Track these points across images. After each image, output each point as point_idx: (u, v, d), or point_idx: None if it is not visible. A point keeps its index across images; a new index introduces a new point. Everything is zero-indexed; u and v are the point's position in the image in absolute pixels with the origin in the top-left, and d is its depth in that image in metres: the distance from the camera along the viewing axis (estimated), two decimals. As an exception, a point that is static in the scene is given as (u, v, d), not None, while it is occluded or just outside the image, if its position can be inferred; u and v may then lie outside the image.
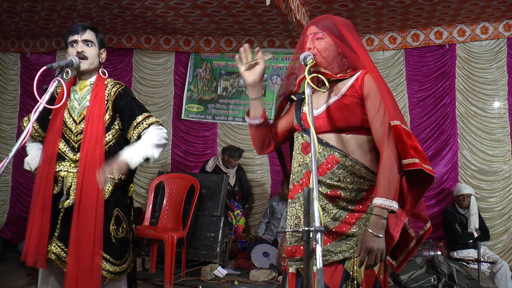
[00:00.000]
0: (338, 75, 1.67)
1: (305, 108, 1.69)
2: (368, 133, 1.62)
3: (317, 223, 1.27)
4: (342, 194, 1.59)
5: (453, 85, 5.24)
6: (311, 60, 1.62)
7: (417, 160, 1.49)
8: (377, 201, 1.50)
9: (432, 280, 3.87)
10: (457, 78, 5.23)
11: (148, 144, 2.08)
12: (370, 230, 1.48)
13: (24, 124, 2.28)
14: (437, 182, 5.24)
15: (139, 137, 2.12)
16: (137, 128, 2.12)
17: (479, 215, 4.69)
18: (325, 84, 1.62)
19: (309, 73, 1.59)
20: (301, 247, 1.60)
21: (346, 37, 1.66)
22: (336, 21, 1.70)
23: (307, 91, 1.53)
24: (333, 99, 1.65)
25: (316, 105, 1.69)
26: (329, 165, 1.60)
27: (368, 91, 1.60)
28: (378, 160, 1.59)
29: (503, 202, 5.03)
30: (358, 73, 1.66)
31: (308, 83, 1.55)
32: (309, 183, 1.56)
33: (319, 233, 1.24)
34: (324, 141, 1.62)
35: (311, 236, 1.27)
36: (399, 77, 5.42)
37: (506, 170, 5.05)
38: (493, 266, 4.31)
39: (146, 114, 2.15)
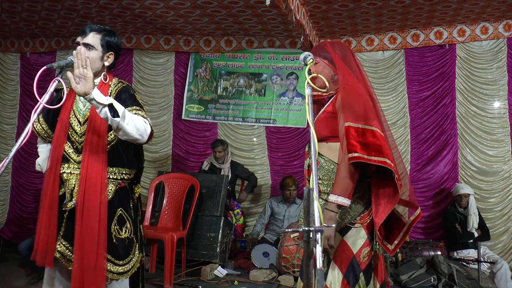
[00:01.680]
0: (328, 93, 2.01)
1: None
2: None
3: (317, 223, 1.27)
4: (322, 189, 1.94)
5: (453, 85, 5.23)
6: (311, 60, 1.77)
7: (356, 154, 1.77)
8: (331, 197, 1.82)
9: (432, 280, 3.87)
10: (457, 78, 5.23)
11: (126, 111, 1.93)
12: None
13: (34, 126, 2.29)
14: (437, 182, 5.24)
15: None
16: None
17: (480, 215, 4.69)
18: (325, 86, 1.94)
19: (309, 73, 1.66)
20: None
21: (333, 57, 2.02)
22: (326, 44, 2.08)
23: (307, 91, 1.59)
24: (319, 114, 2.05)
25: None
26: None
27: (338, 105, 1.94)
28: None
29: (503, 202, 5.02)
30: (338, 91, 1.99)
31: (308, 83, 1.59)
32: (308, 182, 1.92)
33: (319, 233, 1.24)
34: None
35: (311, 236, 1.27)
36: (399, 77, 5.41)
37: (506, 170, 5.04)
38: (493, 266, 4.31)
39: (137, 108, 2.09)
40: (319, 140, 1.95)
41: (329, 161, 1.94)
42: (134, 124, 1.95)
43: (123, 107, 1.94)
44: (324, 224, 1.76)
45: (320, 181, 1.92)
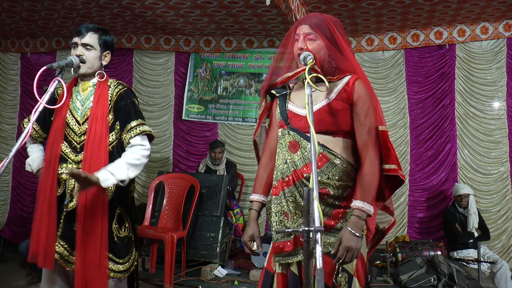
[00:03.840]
0: (327, 78, 1.66)
1: (290, 106, 1.76)
2: (352, 138, 1.68)
3: (316, 223, 1.27)
4: (331, 192, 1.64)
5: (453, 86, 5.23)
6: (311, 60, 1.65)
7: (394, 166, 1.64)
8: (358, 203, 1.59)
9: (432, 280, 3.87)
10: (456, 79, 5.23)
11: (125, 165, 2.05)
12: (350, 229, 1.56)
13: (25, 125, 2.27)
14: (437, 183, 5.24)
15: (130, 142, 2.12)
16: (130, 132, 2.11)
17: (480, 215, 4.69)
18: (323, 82, 1.63)
19: (309, 73, 1.60)
20: (288, 243, 1.71)
21: (337, 39, 1.69)
22: (328, 21, 1.71)
23: (307, 91, 1.54)
24: (323, 102, 1.68)
25: (303, 105, 1.72)
26: (319, 163, 1.63)
27: (358, 97, 1.65)
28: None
29: (501, 203, 5.03)
30: (348, 78, 1.70)
31: (308, 83, 1.56)
32: (297, 181, 1.66)
33: (319, 233, 1.24)
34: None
35: (311, 236, 1.27)
36: (399, 77, 5.41)
37: (503, 171, 5.05)
38: (493, 266, 4.31)
39: (140, 121, 2.15)
40: (328, 133, 1.66)
41: (344, 160, 1.64)
42: (134, 167, 2.08)
43: (126, 168, 2.04)
44: (354, 232, 1.55)
45: (328, 181, 1.63)
